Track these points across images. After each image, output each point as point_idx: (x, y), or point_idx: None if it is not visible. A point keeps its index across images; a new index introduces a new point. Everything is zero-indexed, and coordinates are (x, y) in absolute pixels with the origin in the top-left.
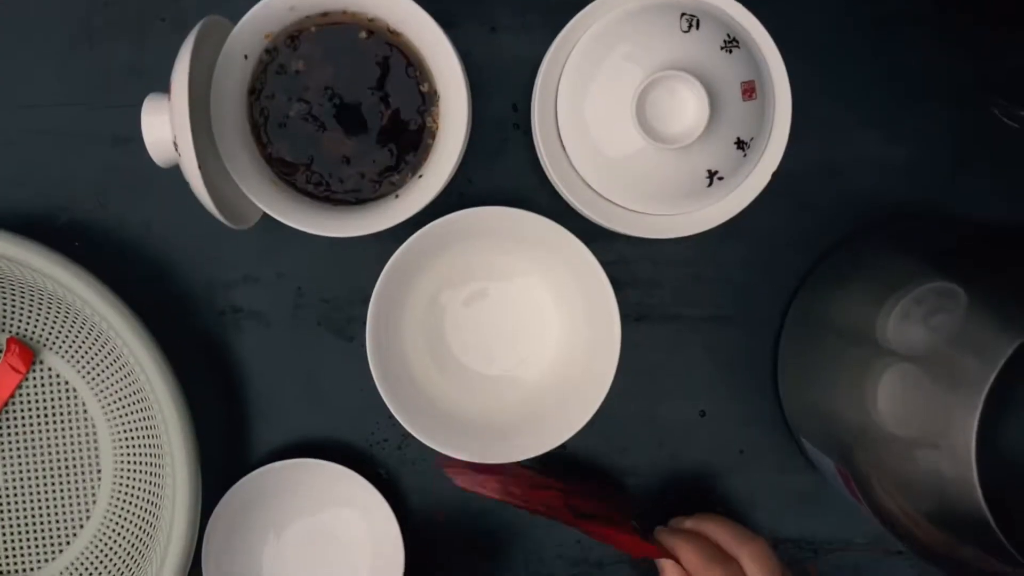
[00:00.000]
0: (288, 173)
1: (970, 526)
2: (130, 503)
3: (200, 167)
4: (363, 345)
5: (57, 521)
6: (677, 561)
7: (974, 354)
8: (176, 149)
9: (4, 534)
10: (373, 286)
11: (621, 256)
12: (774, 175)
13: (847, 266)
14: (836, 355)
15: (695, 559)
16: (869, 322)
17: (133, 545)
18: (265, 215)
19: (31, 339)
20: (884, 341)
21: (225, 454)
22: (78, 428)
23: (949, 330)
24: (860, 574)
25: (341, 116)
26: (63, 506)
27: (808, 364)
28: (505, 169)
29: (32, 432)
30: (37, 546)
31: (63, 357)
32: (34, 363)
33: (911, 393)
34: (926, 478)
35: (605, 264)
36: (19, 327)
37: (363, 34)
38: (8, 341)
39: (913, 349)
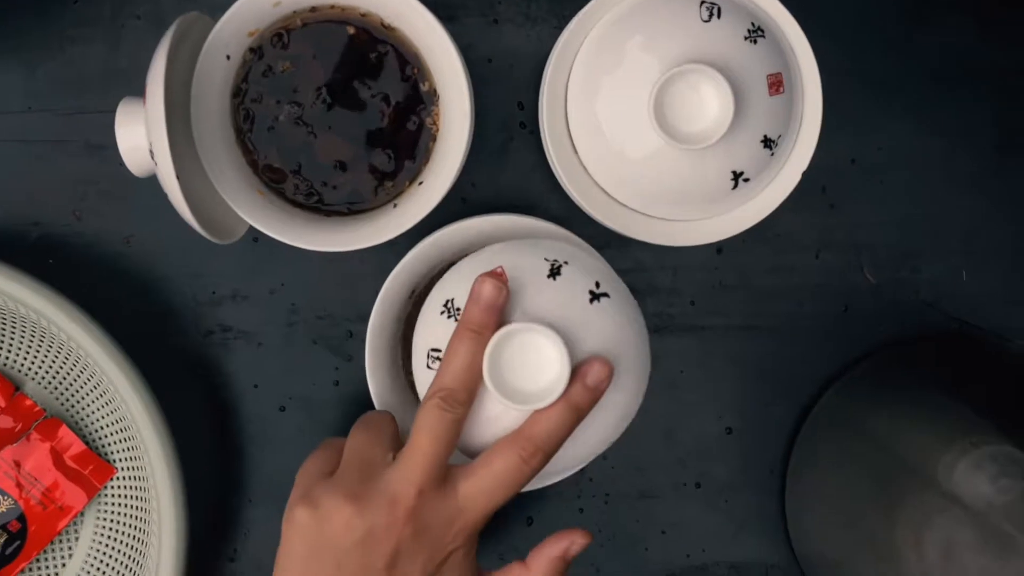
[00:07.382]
0: (276, 181)
1: None
2: (114, 539)
3: (178, 176)
4: (363, 365)
5: (39, 559)
6: None
7: None
8: (152, 157)
9: None
10: (372, 301)
11: (638, 263)
12: (804, 174)
13: (894, 376)
14: (881, 476)
15: None
16: (932, 460)
17: None
18: (254, 227)
19: (11, 370)
20: (948, 484)
21: (216, 483)
22: None
23: (1010, 497)
24: None
25: (333, 119)
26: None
27: (841, 471)
28: (511, 172)
29: None
30: None
31: (44, 387)
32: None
33: (957, 543)
34: None
35: (621, 272)
36: None
37: (355, 30)
38: None
39: (976, 502)
